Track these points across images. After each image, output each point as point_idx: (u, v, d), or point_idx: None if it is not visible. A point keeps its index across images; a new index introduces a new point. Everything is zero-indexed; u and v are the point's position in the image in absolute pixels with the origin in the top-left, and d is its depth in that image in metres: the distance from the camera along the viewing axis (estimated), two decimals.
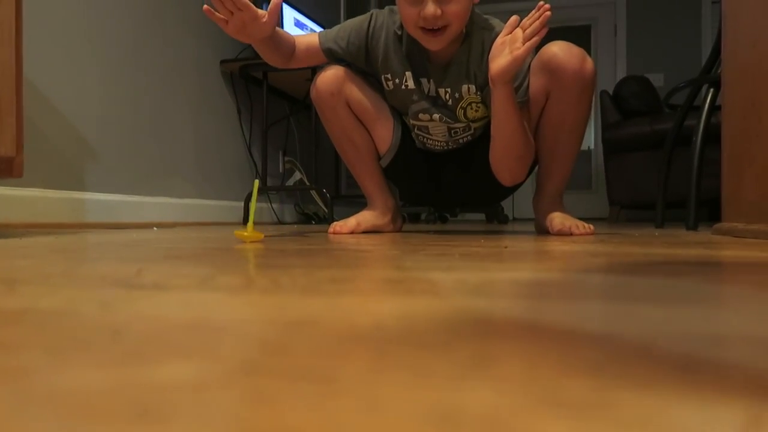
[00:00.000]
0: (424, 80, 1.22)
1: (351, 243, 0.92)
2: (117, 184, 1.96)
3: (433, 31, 1.10)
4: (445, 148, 1.31)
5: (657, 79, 4.11)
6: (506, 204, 4.43)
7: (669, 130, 2.02)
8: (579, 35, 4.56)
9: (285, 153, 3.00)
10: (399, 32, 1.21)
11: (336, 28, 1.26)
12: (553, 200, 1.26)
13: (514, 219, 4.45)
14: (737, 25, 1.18)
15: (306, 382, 0.17)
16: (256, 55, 1.29)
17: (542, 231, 1.27)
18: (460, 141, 1.29)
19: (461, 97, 1.21)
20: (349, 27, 1.24)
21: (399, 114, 1.30)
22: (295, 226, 2.33)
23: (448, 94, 1.21)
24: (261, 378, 0.17)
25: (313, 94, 1.28)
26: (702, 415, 0.14)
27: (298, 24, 2.73)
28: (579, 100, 1.16)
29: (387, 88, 1.25)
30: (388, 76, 1.24)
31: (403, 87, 1.23)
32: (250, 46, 2.62)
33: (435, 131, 1.27)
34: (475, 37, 1.17)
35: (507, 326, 0.25)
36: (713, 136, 1.58)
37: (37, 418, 0.14)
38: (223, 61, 2.55)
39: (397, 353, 0.21)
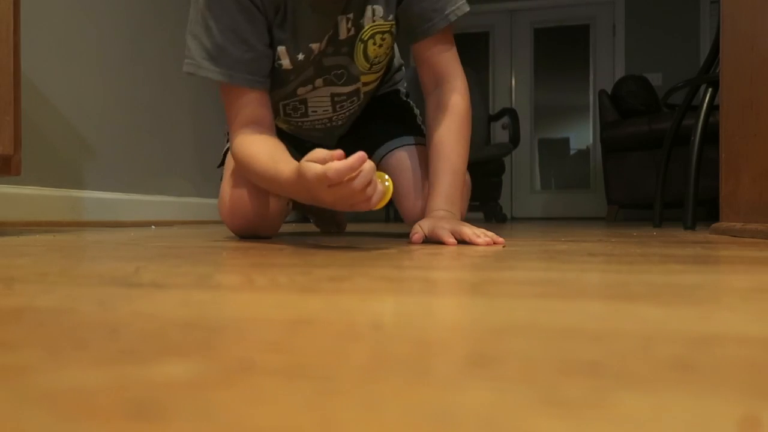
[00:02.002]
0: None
1: (349, 242, 0.92)
2: (115, 182, 1.96)
3: None
4: (327, 125, 1.05)
5: (655, 79, 4.12)
6: (505, 203, 4.44)
7: (667, 130, 2.02)
8: (577, 35, 4.57)
9: None
10: None
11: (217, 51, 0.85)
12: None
13: (513, 218, 4.46)
14: (736, 26, 1.18)
15: (304, 381, 0.17)
16: None
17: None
18: (346, 113, 1.03)
19: (362, 26, 0.91)
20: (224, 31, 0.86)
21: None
22: (293, 224, 2.32)
23: (350, 23, 0.90)
24: (259, 376, 0.17)
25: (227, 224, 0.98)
26: (700, 415, 0.14)
27: None
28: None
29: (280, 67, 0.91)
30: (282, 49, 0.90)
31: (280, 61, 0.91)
32: None
33: (316, 104, 1.00)
34: None
35: (505, 325, 0.25)
36: (711, 135, 1.58)
37: (35, 416, 0.14)
38: None
39: (396, 352, 0.21)
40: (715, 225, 1.24)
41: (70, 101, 1.77)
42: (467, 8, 0.92)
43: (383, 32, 0.93)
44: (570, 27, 4.59)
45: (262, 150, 0.83)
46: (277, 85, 0.95)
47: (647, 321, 0.26)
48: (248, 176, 0.89)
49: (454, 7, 0.90)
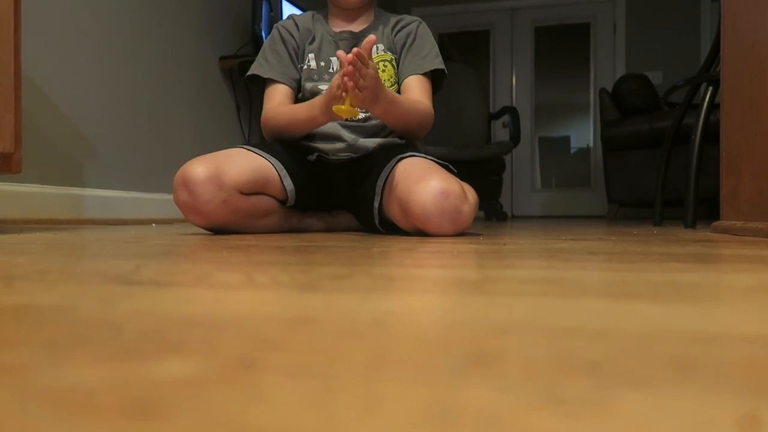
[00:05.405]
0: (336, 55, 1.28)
1: (349, 241, 0.92)
2: (116, 180, 1.96)
3: None
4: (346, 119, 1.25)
5: (656, 77, 4.11)
6: (505, 201, 4.43)
7: (668, 128, 2.02)
8: (578, 33, 4.56)
9: None
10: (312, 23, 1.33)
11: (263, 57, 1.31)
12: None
13: (513, 216, 4.46)
14: (736, 24, 1.18)
15: (304, 379, 0.17)
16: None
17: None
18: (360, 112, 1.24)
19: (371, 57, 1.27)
20: (268, 48, 1.31)
21: (282, 163, 1.17)
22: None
23: None
24: (259, 374, 0.17)
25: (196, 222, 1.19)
26: (700, 413, 0.14)
27: None
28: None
29: (307, 68, 1.30)
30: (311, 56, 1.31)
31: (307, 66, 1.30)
32: (248, 43, 2.62)
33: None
34: (382, 21, 1.32)
35: (505, 324, 0.25)
36: (712, 134, 1.58)
37: (35, 414, 0.14)
38: (222, 58, 2.54)
39: (396, 350, 0.21)
40: (715, 223, 1.24)
41: (71, 99, 1.77)
42: (443, 66, 1.27)
43: (385, 61, 1.29)
44: (570, 25, 4.58)
45: (284, 108, 1.23)
46: (307, 79, 1.30)
47: (647, 319, 0.26)
48: (280, 129, 1.22)
49: (431, 63, 1.26)
